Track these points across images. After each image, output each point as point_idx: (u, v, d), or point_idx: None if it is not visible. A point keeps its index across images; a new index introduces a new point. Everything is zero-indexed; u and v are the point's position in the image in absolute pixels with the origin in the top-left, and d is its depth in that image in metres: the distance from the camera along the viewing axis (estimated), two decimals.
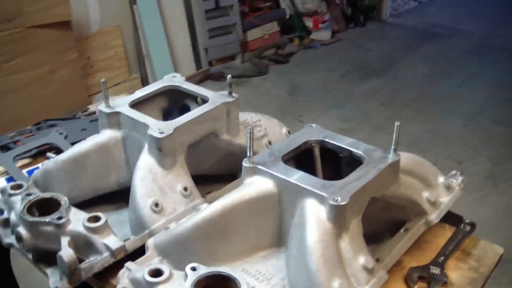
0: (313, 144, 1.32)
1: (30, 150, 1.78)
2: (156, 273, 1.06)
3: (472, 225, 1.41)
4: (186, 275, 1.04)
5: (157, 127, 1.34)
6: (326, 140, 1.31)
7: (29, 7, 3.61)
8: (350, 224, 1.11)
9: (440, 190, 1.36)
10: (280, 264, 1.17)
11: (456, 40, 6.16)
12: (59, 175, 1.41)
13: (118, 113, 1.43)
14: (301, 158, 1.30)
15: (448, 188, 1.39)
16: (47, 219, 1.23)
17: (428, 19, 6.92)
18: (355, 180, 1.15)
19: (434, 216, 1.32)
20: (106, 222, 1.23)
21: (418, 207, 1.30)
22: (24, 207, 1.27)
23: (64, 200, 1.28)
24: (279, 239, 1.22)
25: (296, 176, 1.16)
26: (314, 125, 1.37)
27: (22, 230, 1.25)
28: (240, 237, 1.18)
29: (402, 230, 1.30)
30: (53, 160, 1.42)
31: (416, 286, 1.22)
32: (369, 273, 1.09)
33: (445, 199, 1.36)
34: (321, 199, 1.10)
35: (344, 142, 1.30)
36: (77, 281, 1.19)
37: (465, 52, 5.80)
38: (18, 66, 3.68)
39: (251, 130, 1.18)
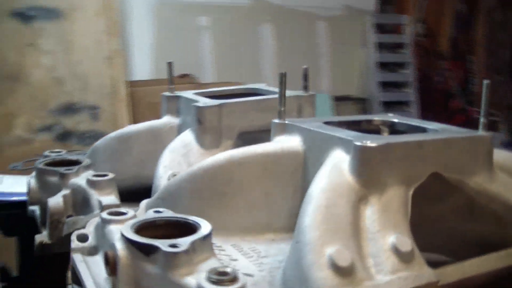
0: (380, 126, 0.99)
1: None
2: (118, 213, 0.82)
3: None
4: None
5: (206, 101, 1.16)
6: (397, 121, 0.98)
7: None
8: (386, 189, 0.74)
9: None
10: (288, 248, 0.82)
11: None
12: (105, 154, 1.28)
13: (177, 97, 1.29)
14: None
15: None
16: (55, 168, 1.09)
17: None
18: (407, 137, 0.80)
19: None
20: (112, 180, 1.04)
21: None
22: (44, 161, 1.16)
23: (86, 160, 1.14)
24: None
25: (332, 130, 0.85)
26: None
27: (32, 180, 1.13)
28: (244, 205, 0.87)
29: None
30: (103, 137, 1.32)
31: None
32: (401, 259, 0.67)
33: None
34: (348, 147, 0.77)
35: (425, 123, 0.95)
36: (57, 236, 1.00)
37: None
38: None
39: (284, 74, 0.92)
